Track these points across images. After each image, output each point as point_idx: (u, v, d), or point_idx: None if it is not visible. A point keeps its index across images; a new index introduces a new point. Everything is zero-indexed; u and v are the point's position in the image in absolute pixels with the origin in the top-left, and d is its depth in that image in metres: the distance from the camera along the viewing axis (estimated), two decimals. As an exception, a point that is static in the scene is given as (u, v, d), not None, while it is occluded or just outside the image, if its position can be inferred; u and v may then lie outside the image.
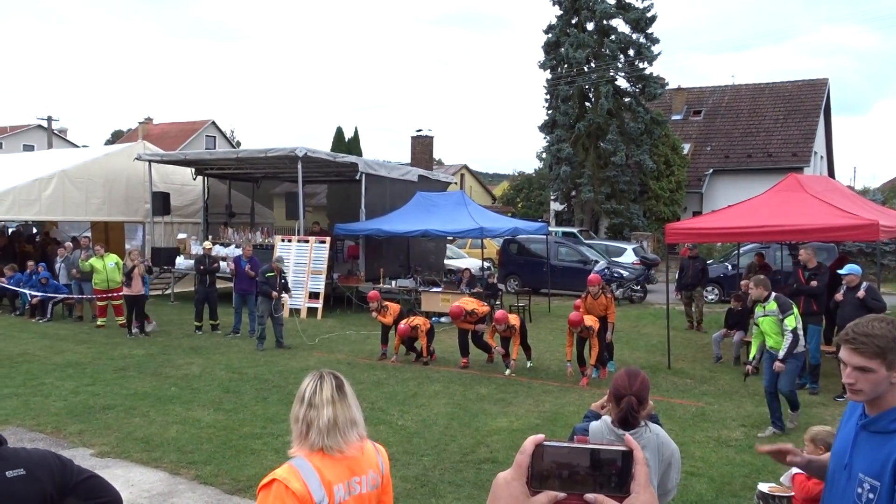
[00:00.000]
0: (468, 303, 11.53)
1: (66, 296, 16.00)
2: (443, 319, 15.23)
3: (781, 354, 7.65)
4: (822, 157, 39.77)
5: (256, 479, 6.00)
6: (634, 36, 32.65)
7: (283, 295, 13.07)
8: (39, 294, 15.74)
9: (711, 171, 35.65)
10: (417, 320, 11.51)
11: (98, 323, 14.91)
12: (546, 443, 1.13)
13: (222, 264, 15.58)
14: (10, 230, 23.76)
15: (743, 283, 12.99)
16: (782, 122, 36.48)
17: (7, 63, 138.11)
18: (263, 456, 6.85)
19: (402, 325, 11.29)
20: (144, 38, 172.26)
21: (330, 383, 2.55)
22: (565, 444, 1.13)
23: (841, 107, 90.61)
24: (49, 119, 43.83)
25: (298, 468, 2.38)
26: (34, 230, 23.72)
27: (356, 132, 41.03)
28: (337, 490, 2.41)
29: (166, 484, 6.25)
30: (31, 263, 16.82)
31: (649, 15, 32.38)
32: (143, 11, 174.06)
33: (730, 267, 19.09)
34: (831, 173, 40.66)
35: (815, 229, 10.03)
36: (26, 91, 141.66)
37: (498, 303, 15.48)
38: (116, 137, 67.60)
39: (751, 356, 8.42)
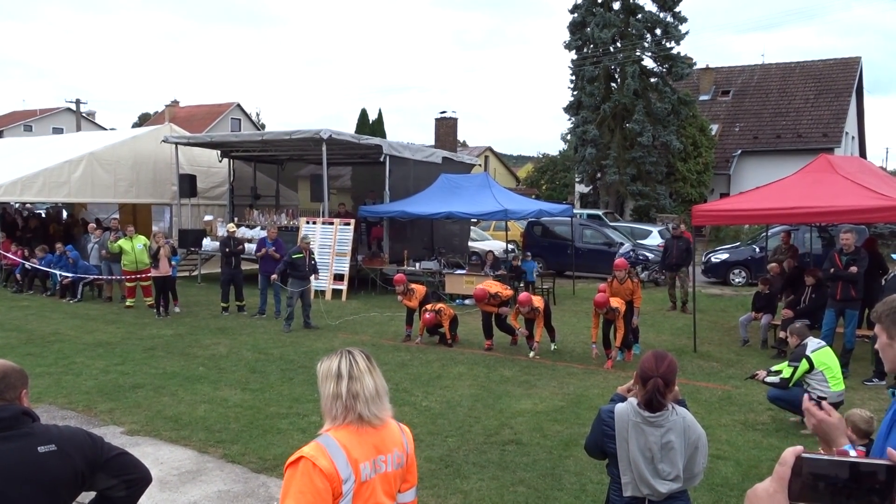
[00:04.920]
0: (492, 285, 11.52)
1: (96, 276, 16.25)
2: (467, 302, 15.24)
3: (769, 379, 7.52)
4: (853, 137, 39.01)
5: (283, 458, 6.07)
6: (661, 15, 32.12)
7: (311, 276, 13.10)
8: (70, 275, 16.00)
9: (740, 151, 35.15)
10: (441, 306, 11.54)
11: (127, 303, 15.13)
12: (805, 454, 1.10)
13: (247, 246, 15.70)
14: (38, 212, 24.19)
15: (770, 266, 12.82)
16: (813, 102, 35.81)
17: (37, 47, 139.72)
18: (289, 435, 6.92)
19: (427, 314, 11.31)
20: (170, 22, 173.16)
21: (360, 355, 2.59)
22: (825, 457, 1.10)
23: (872, 86, 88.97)
24: (77, 102, 44.34)
25: (326, 446, 2.40)
26: (64, 212, 24.10)
27: (380, 114, 41.15)
28: (363, 468, 2.42)
29: (195, 462, 6.34)
30: (59, 245, 17.09)
31: (677, -7, 31.81)
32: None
33: (757, 249, 18.85)
34: (863, 154, 39.88)
35: (846, 211, 9.83)
36: (55, 75, 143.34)
37: (522, 285, 15.45)
38: (143, 120, 68.28)
39: (774, 369, 8.09)
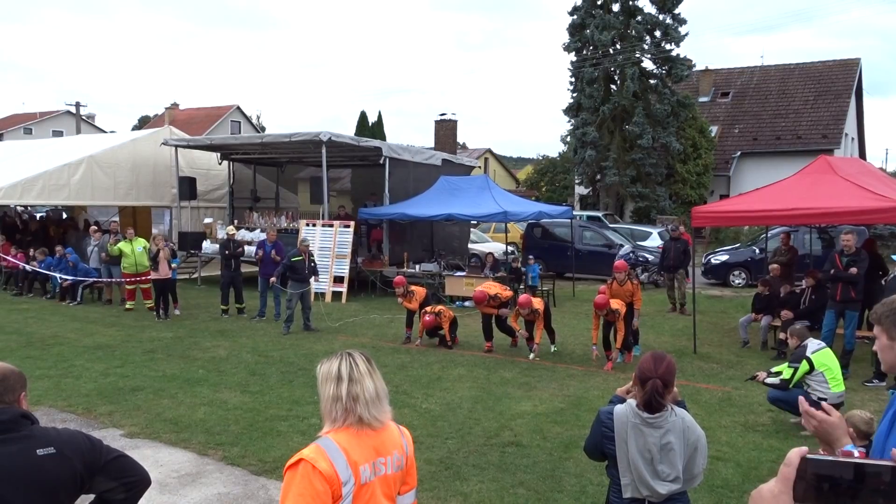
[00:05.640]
0: (491, 287, 11.51)
1: (96, 279, 16.25)
2: (466, 304, 15.24)
3: (769, 380, 7.52)
4: (853, 138, 39.02)
5: (282, 460, 6.06)
6: (661, 17, 32.13)
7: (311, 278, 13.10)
8: (70, 278, 15.99)
9: (739, 153, 35.15)
10: (440, 307, 11.52)
11: (127, 306, 15.12)
12: (809, 455, 1.10)
13: (247, 248, 15.70)
14: (38, 215, 24.18)
15: (772, 266, 12.81)
16: (812, 104, 35.80)
17: (36, 50, 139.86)
18: (289, 437, 6.91)
19: (427, 317, 11.31)
20: (170, 25, 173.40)
21: (360, 358, 2.58)
22: (829, 458, 1.10)
23: (871, 88, 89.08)
24: (77, 105, 44.39)
25: (325, 448, 2.39)
26: (64, 215, 24.11)
27: (380, 116, 41.10)
28: (363, 470, 2.42)
29: (194, 464, 6.34)
30: (59, 248, 17.08)
31: (676, -5, 31.83)
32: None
33: (757, 251, 18.84)
34: (862, 155, 39.88)
35: (845, 212, 9.83)
36: (55, 77, 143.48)
37: (522, 287, 15.45)
38: (143, 123, 68.31)
39: (774, 370, 8.07)
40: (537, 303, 10.70)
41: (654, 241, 22.08)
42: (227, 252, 14.23)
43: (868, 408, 7.27)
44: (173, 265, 14.20)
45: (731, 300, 16.68)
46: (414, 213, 16.99)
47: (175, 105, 57.51)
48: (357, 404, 2.47)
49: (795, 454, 1.12)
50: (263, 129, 61.09)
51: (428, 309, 11.47)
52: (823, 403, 2.00)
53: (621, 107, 31.90)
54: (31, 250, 17.68)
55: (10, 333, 12.27)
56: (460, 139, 48.65)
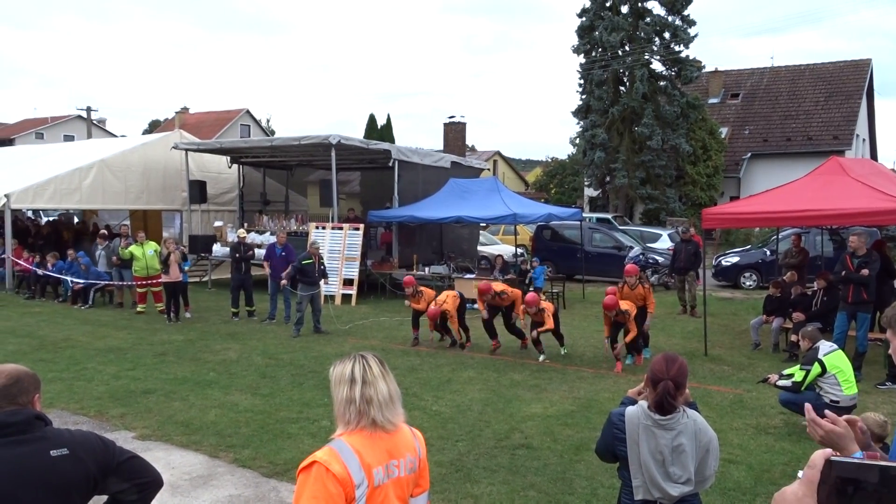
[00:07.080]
0: (498, 285, 11.53)
1: (107, 282, 16.32)
2: (475, 306, 15.22)
3: (780, 382, 7.50)
4: (864, 139, 38.78)
5: (293, 462, 6.08)
6: (670, 18, 32.07)
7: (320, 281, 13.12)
8: (81, 281, 16.08)
9: (749, 155, 35.00)
10: (447, 304, 11.39)
11: (138, 309, 15.18)
12: (834, 458, 1.09)
13: (257, 251, 15.76)
14: (49, 219, 24.34)
15: (788, 274, 12.71)
16: (823, 105, 35.61)
17: (48, 56, 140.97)
18: (300, 440, 6.93)
19: (432, 307, 11.28)
20: (179, 30, 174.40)
21: (374, 360, 2.58)
22: (854, 460, 1.09)
23: (881, 89, 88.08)
24: (88, 110, 44.68)
25: (338, 451, 2.39)
26: (75, 219, 24.29)
27: (389, 119, 41.06)
28: (376, 473, 2.42)
29: (206, 466, 6.36)
30: (71, 252, 17.19)
31: (685, -4, 31.74)
32: (179, 4, 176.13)
33: (768, 253, 18.75)
34: (874, 156, 39.63)
35: (857, 213, 9.76)
36: (66, 83, 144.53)
37: (529, 288, 15.43)
38: (153, 127, 68.66)
39: (785, 372, 8.03)
40: (546, 305, 10.66)
41: (664, 242, 21.99)
42: (237, 255, 14.28)
43: (881, 410, 7.22)
44: (184, 268, 14.26)
45: (742, 302, 16.60)
46: (423, 216, 17.01)
47: (185, 109, 57.80)
48: (370, 407, 2.47)
49: (820, 456, 1.11)
50: (273, 132, 61.30)
51: (433, 304, 11.42)
52: (828, 412, 1.98)
53: (630, 108, 31.84)
54: (38, 255, 17.80)
55: (22, 336, 12.35)
56: (469, 141, 48.71)
